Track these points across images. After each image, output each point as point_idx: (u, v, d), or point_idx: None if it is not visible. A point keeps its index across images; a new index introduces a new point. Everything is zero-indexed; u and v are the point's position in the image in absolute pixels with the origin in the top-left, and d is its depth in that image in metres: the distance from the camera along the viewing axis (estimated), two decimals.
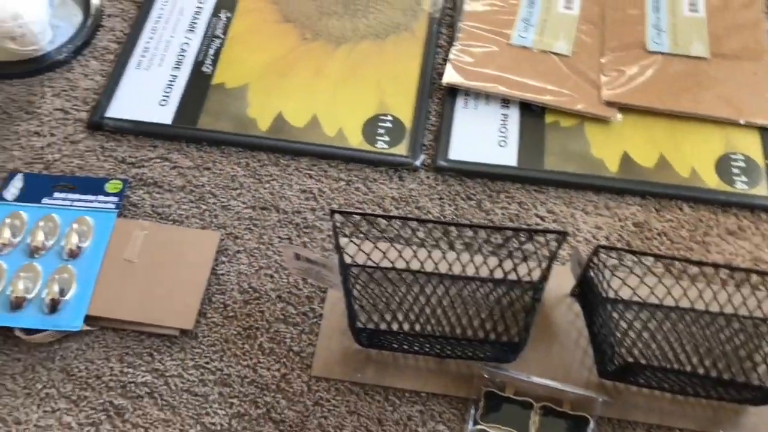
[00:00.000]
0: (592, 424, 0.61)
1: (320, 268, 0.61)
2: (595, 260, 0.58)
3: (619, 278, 0.61)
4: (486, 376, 0.63)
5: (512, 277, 0.66)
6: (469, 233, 0.69)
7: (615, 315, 0.62)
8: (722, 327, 0.65)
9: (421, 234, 0.70)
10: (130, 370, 0.65)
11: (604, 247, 0.56)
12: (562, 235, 0.58)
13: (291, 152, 0.76)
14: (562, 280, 0.67)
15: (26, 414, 0.63)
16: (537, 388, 0.62)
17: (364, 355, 0.65)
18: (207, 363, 0.65)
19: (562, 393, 0.62)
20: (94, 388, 0.64)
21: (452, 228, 0.69)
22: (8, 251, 0.69)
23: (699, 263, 0.56)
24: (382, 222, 0.69)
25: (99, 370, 0.65)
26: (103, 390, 0.64)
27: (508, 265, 0.64)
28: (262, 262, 0.71)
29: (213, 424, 0.62)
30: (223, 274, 0.70)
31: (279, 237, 0.72)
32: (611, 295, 0.63)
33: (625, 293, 0.64)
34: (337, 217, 0.58)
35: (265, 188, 0.75)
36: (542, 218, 0.74)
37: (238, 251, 0.71)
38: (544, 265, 0.62)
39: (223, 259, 0.71)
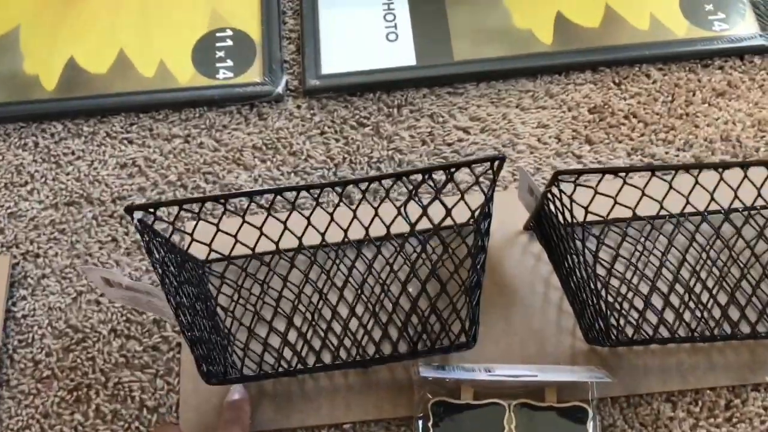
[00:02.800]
0: (591, 413, 0.43)
1: (144, 295, 0.39)
2: (555, 191, 0.37)
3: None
4: (430, 379, 0.43)
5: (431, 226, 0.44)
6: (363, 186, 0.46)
7: (601, 267, 0.42)
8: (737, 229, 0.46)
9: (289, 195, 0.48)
10: None
11: (564, 172, 0.36)
12: (497, 163, 0.37)
13: (96, 112, 0.56)
14: (508, 213, 0.47)
15: None
16: (504, 383, 0.43)
17: (255, 389, 0.44)
18: None
19: (540, 381, 0.43)
20: None
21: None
22: None
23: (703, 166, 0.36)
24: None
25: None
26: None
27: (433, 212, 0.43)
28: (80, 286, 0.48)
29: None
30: (25, 316, 0.48)
31: (100, 242, 0.50)
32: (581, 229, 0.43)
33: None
34: (139, 214, 0.35)
35: (67, 174, 0.52)
36: (466, 130, 0.53)
37: (44, 276, 0.49)
38: (479, 203, 0.41)
39: (22, 292, 0.48)
